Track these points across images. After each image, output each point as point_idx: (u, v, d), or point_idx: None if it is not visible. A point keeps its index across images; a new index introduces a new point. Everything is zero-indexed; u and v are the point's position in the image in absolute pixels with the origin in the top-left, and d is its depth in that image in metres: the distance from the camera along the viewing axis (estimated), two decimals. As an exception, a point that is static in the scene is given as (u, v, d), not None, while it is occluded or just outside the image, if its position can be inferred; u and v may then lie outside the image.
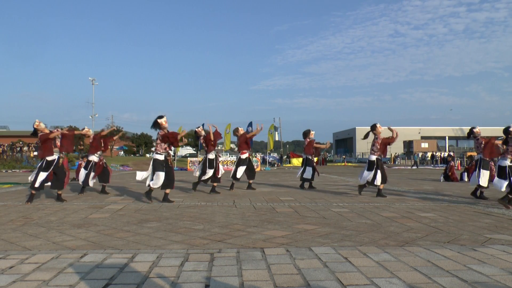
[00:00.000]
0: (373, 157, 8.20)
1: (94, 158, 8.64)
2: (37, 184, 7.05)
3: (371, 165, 8.20)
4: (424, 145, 50.64)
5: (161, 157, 7.19)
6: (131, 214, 5.89)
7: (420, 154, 44.35)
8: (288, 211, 6.20)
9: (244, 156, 9.66)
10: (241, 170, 9.58)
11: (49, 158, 7.20)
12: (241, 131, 9.86)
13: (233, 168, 9.79)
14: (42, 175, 7.10)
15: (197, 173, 9.30)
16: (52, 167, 7.18)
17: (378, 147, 8.19)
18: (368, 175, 8.18)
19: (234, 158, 28.64)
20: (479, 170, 7.71)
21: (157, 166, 7.14)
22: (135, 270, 2.99)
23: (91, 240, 4.09)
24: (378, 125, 8.39)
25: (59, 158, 7.30)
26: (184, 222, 5.18)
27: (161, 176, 7.08)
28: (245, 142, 9.75)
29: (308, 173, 10.13)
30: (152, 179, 7.14)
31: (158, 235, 4.34)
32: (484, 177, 7.68)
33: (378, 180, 8.07)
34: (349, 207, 6.63)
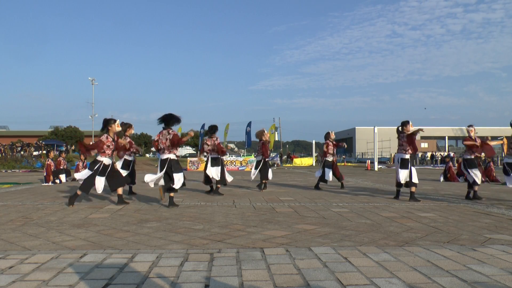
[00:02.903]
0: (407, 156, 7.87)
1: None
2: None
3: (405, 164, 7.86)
4: (424, 145, 50.68)
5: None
6: (131, 214, 5.89)
7: (420, 154, 44.37)
8: (288, 211, 6.20)
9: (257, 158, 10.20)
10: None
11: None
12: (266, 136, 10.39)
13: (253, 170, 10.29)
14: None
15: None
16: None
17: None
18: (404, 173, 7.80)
19: (233, 158, 28.66)
20: None
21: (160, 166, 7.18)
22: (134, 270, 2.99)
23: (91, 240, 4.09)
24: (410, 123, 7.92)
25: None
26: (184, 222, 5.18)
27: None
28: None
29: (327, 175, 10.30)
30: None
31: (158, 235, 4.34)
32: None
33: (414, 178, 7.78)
34: (349, 207, 6.63)
